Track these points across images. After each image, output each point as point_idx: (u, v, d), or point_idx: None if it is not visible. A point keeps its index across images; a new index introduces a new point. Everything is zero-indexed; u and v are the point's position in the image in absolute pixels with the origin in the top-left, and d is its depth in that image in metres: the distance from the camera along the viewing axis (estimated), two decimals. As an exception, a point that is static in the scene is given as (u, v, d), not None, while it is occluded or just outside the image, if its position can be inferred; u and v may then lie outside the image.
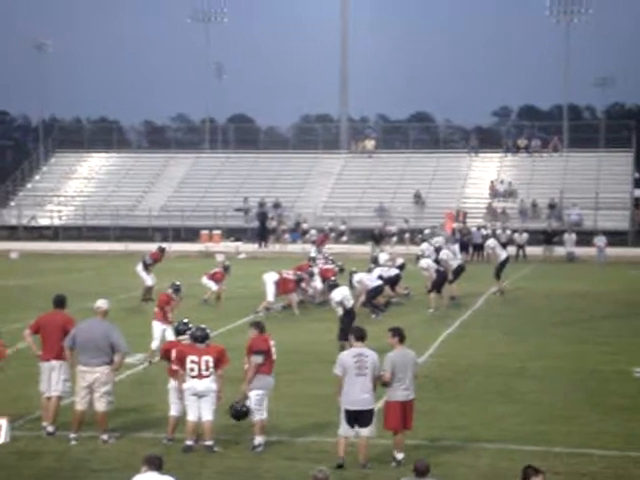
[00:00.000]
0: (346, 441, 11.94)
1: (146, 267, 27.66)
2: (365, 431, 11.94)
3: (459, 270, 27.20)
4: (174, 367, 12.87)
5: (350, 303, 19.73)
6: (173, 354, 12.96)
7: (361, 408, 11.85)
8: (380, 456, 12.20)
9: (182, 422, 12.80)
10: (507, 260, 30.16)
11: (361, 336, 12.16)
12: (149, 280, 27.52)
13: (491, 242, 31.43)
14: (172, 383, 12.96)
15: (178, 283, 18.99)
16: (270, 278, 25.16)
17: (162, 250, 29.14)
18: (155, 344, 17.69)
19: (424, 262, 26.69)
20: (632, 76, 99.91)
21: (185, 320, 13.52)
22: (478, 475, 11.68)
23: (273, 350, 12.74)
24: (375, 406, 12.03)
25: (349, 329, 18.47)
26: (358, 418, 11.88)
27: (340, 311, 19.46)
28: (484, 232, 45.52)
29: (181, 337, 13.23)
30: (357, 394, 11.80)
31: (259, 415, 12.61)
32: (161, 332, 18.00)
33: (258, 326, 13.07)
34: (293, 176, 59.47)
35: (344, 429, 11.94)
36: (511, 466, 11.61)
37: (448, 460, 12.11)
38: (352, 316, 19.44)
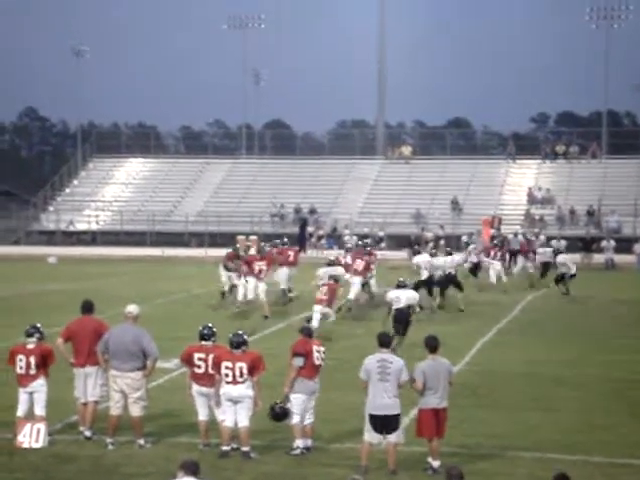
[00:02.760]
0: (370, 448, 11.92)
1: (228, 270, 27.25)
2: (392, 437, 11.92)
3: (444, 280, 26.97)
4: (205, 371, 12.84)
5: (401, 304, 20.01)
6: (195, 359, 12.92)
7: (385, 413, 11.83)
8: (416, 464, 12.14)
9: (215, 427, 12.80)
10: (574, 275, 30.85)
11: (386, 342, 12.18)
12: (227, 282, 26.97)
13: (562, 258, 31.14)
14: (195, 388, 12.93)
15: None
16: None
17: (235, 249, 28.69)
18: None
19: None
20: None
21: (210, 324, 13.45)
22: (515, 484, 11.58)
23: (316, 355, 12.74)
24: (400, 411, 11.95)
25: (400, 328, 19.39)
26: (383, 424, 11.86)
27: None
28: (521, 239, 45.16)
29: (204, 342, 13.12)
30: (380, 399, 11.82)
31: (296, 419, 12.64)
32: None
33: (303, 331, 13.19)
34: (329, 182, 59.44)
35: (369, 434, 11.95)
36: (548, 476, 11.41)
37: (485, 469, 12.01)
38: (403, 317, 19.82)
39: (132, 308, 13.43)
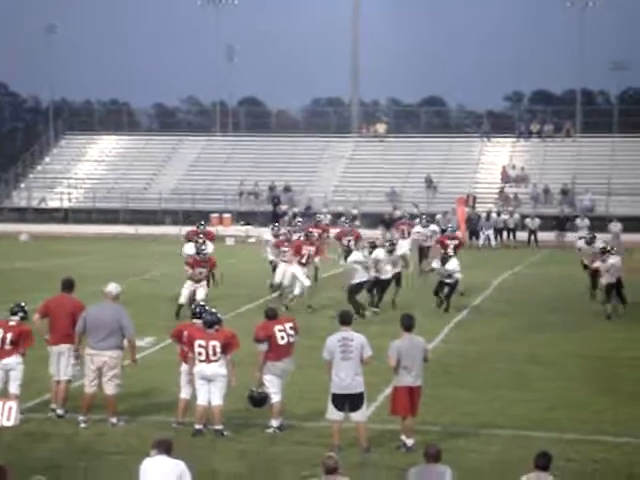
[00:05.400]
0: (339, 427, 11.90)
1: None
2: (356, 415, 11.93)
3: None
4: (185, 350, 12.84)
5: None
6: (184, 337, 12.90)
7: (348, 392, 11.83)
8: (390, 442, 12.14)
9: (192, 406, 12.76)
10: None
11: (346, 320, 12.14)
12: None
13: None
14: (184, 366, 12.91)
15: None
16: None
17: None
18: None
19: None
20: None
21: (203, 303, 13.45)
22: (489, 462, 11.61)
23: (279, 335, 12.66)
24: (364, 390, 11.95)
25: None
26: (347, 402, 11.85)
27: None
28: (495, 217, 45.39)
29: (196, 320, 13.10)
30: (344, 378, 11.80)
31: (276, 397, 12.66)
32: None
33: (266, 313, 13.11)
34: (304, 160, 59.27)
35: (331, 412, 11.93)
36: (523, 453, 11.50)
37: (459, 446, 12.04)
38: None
39: (112, 287, 13.30)
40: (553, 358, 17.66)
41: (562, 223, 46.19)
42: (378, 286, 22.75)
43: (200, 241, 22.95)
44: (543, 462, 8.68)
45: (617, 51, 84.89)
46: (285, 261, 23.77)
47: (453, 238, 25.77)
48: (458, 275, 23.09)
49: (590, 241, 25.54)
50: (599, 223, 45.88)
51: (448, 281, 22.87)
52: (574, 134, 59.06)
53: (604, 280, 22.40)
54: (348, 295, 21.95)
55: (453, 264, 23.01)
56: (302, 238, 24.54)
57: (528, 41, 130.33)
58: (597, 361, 17.52)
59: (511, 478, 8.95)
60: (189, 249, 23.35)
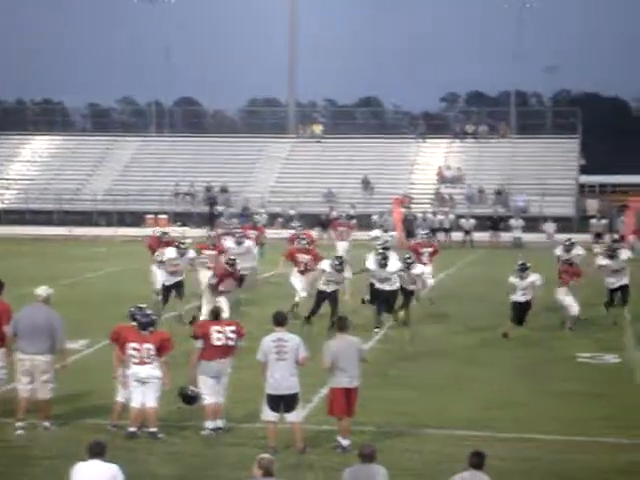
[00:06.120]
0: (275, 428, 11.89)
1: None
2: (291, 416, 11.93)
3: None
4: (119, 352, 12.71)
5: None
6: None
7: (283, 393, 11.83)
8: (326, 442, 12.15)
9: (128, 409, 12.63)
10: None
11: (280, 321, 12.12)
12: None
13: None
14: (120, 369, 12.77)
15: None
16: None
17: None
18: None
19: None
20: (579, 63, 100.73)
21: (141, 305, 13.29)
22: (423, 461, 11.69)
23: (215, 336, 12.57)
24: (299, 390, 11.96)
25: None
26: (282, 403, 11.86)
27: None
28: (431, 217, 45.81)
29: (133, 322, 12.95)
30: (278, 379, 11.80)
31: (206, 400, 12.56)
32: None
33: (210, 311, 13.15)
34: (241, 160, 59.10)
35: (265, 413, 11.92)
36: (457, 452, 11.60)
37: (394, 446, 12.09)
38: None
39: (41, 290, 13.07)
40: (488, 359, 17.82)
41: (496, 223, 46.76)
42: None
43: (182, 246, 21.80)
44: (477, 461, 8.76)
45: (551, 54, 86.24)
46: (209, 268, 22.14)
47: (429, 245, 24.95)
48: (430, 282, 23.01)
49: (569, 248, 23.38)
50: (533, 223, 46.62)
51: (411, 288, 20.91)
52: (508, 135, 59.78)
53: (514, 297, 19.82)
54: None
55: (420, 268, 21.33)
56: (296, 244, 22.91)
57: (464, 42, 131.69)
58: (530, 360, 17.73)
59: (445, 477, 9.00)
60: (170, 253, 21.85)
